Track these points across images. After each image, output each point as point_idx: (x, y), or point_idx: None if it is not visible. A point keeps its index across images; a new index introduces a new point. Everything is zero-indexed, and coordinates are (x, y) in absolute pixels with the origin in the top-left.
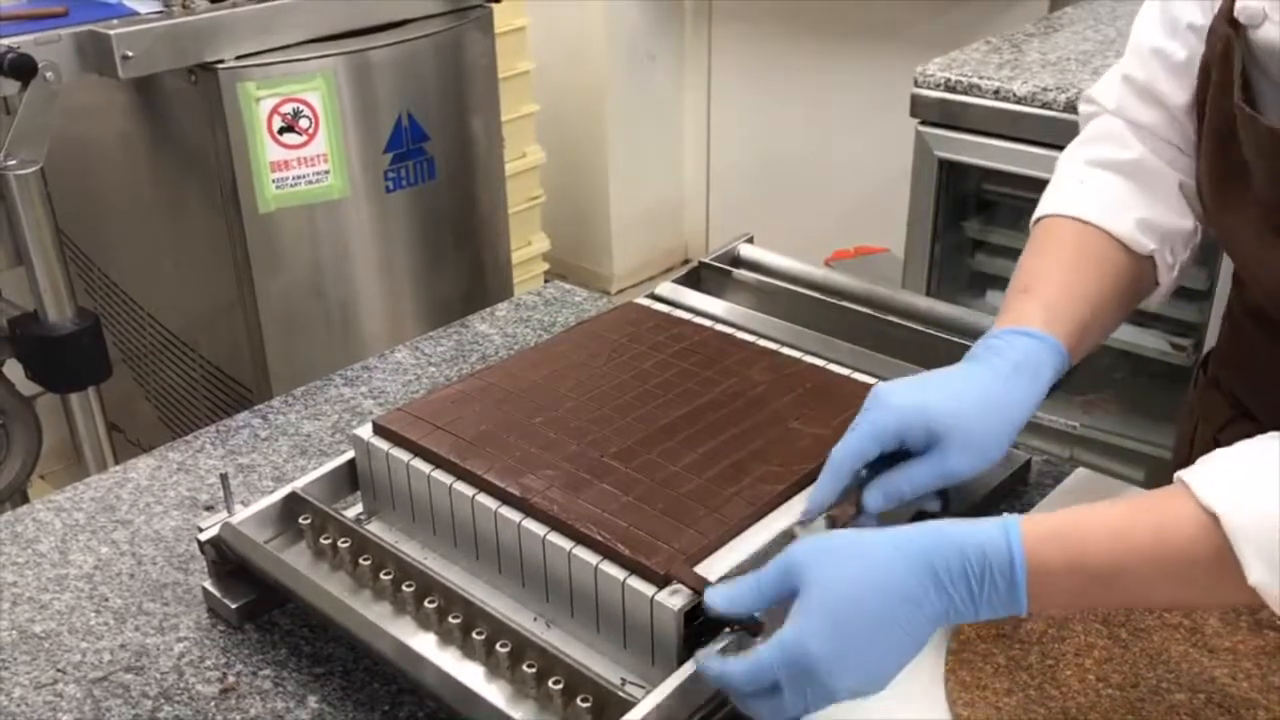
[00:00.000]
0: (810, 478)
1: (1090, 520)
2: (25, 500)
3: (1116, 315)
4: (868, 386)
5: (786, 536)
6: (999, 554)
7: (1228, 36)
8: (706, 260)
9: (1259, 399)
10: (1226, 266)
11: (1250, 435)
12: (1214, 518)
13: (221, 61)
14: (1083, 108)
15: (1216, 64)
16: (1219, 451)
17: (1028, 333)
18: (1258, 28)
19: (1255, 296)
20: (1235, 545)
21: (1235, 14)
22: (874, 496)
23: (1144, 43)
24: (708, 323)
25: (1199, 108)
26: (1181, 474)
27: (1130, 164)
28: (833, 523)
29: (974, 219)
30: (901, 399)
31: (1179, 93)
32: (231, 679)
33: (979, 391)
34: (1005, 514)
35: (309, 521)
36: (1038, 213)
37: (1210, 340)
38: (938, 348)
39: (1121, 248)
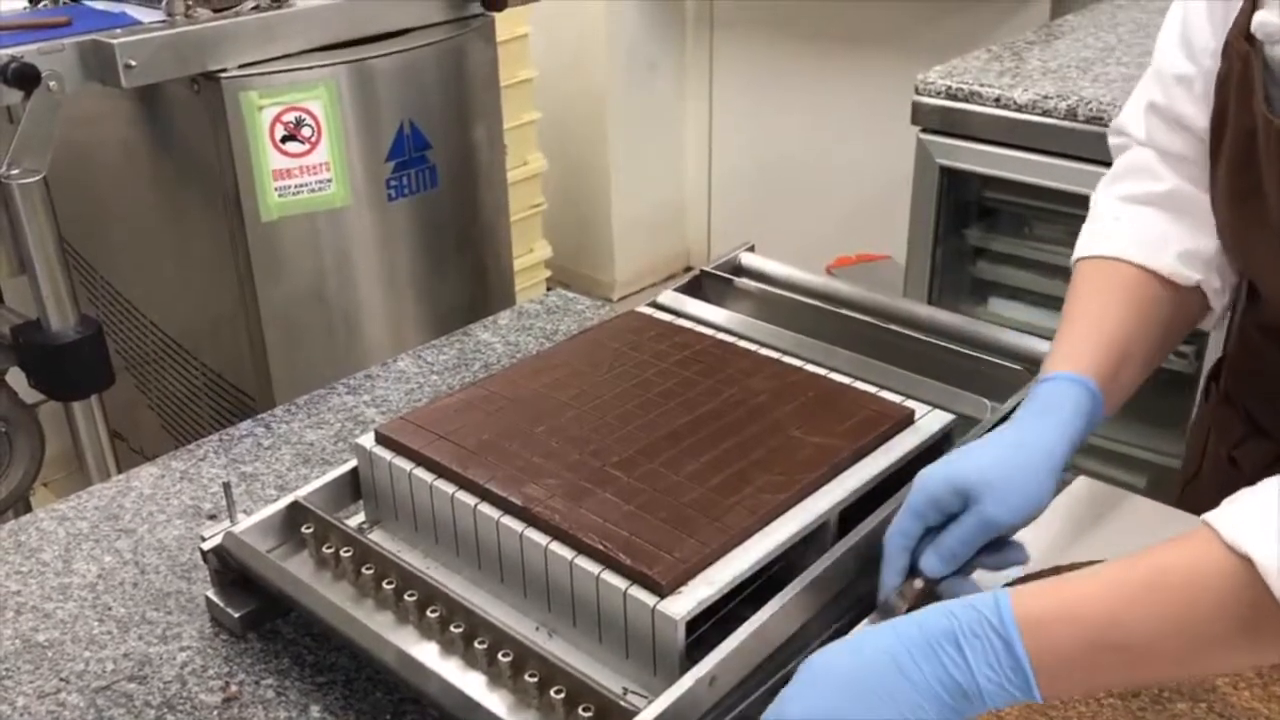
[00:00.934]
0: (812, 487)
1: (1085, 572)
2: (28, 509)
3: (1161, 344)
4: (869, 395)
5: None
6: (986, 604)
7: (1246, 52)
8: (708, 269)
9: (1273, 415)
10: None
11: (1266, 453)
12: (1247, 561)
13: (224, 70)
14: (1112, 140)
15: (1235, 79)
16: (1243, 494)
17: (1050, 378)
18: (1275, 44)
19: (1272, 312)
20: (1275, 589)
21: (1252, 30)
22: (929, 560)
23: (1165, 68)
24: (709, 331)
25: (1216, 126)
26: (1206, 517)
27: (1164, 195)
28: (903, 598)
29: (975, 226)
30: (930, 472)
31: (1201, 116)
32: (234, 688)
33: (1003, 440)
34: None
35: (311, 530)
36: (1076, 254)
37: (1213, 349)
38: (939, 356)
39: (1164, 283)
